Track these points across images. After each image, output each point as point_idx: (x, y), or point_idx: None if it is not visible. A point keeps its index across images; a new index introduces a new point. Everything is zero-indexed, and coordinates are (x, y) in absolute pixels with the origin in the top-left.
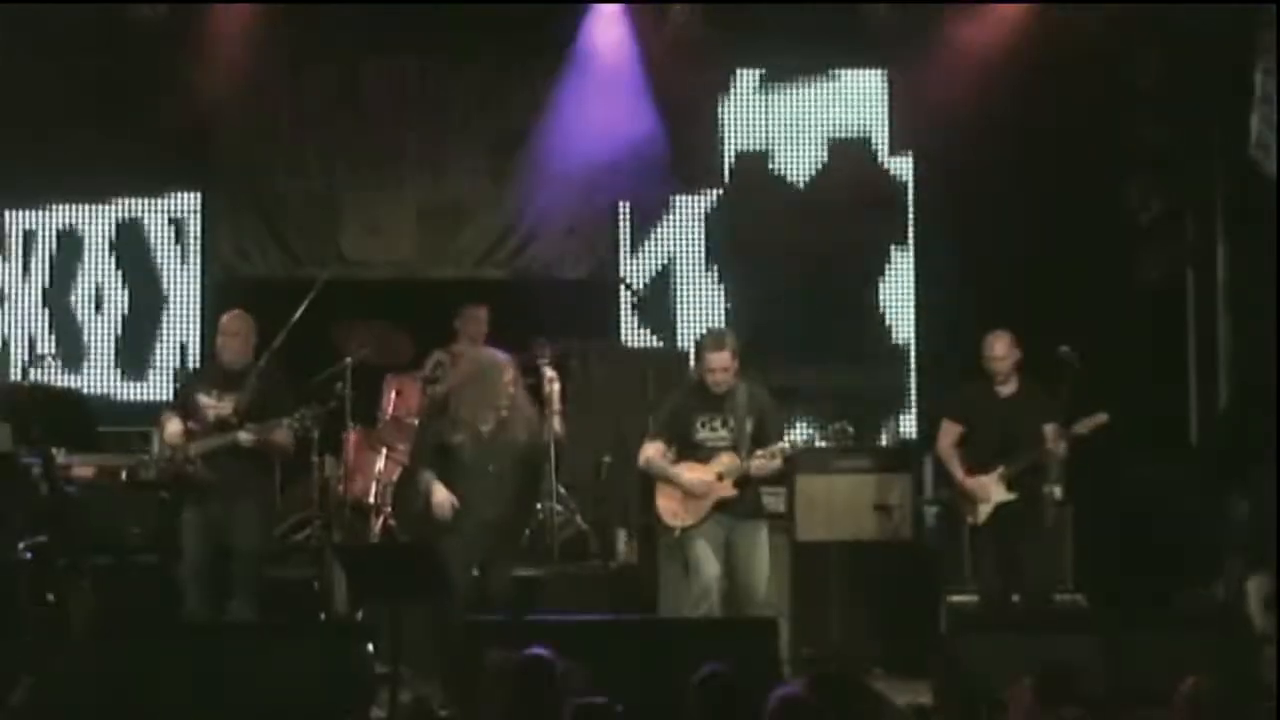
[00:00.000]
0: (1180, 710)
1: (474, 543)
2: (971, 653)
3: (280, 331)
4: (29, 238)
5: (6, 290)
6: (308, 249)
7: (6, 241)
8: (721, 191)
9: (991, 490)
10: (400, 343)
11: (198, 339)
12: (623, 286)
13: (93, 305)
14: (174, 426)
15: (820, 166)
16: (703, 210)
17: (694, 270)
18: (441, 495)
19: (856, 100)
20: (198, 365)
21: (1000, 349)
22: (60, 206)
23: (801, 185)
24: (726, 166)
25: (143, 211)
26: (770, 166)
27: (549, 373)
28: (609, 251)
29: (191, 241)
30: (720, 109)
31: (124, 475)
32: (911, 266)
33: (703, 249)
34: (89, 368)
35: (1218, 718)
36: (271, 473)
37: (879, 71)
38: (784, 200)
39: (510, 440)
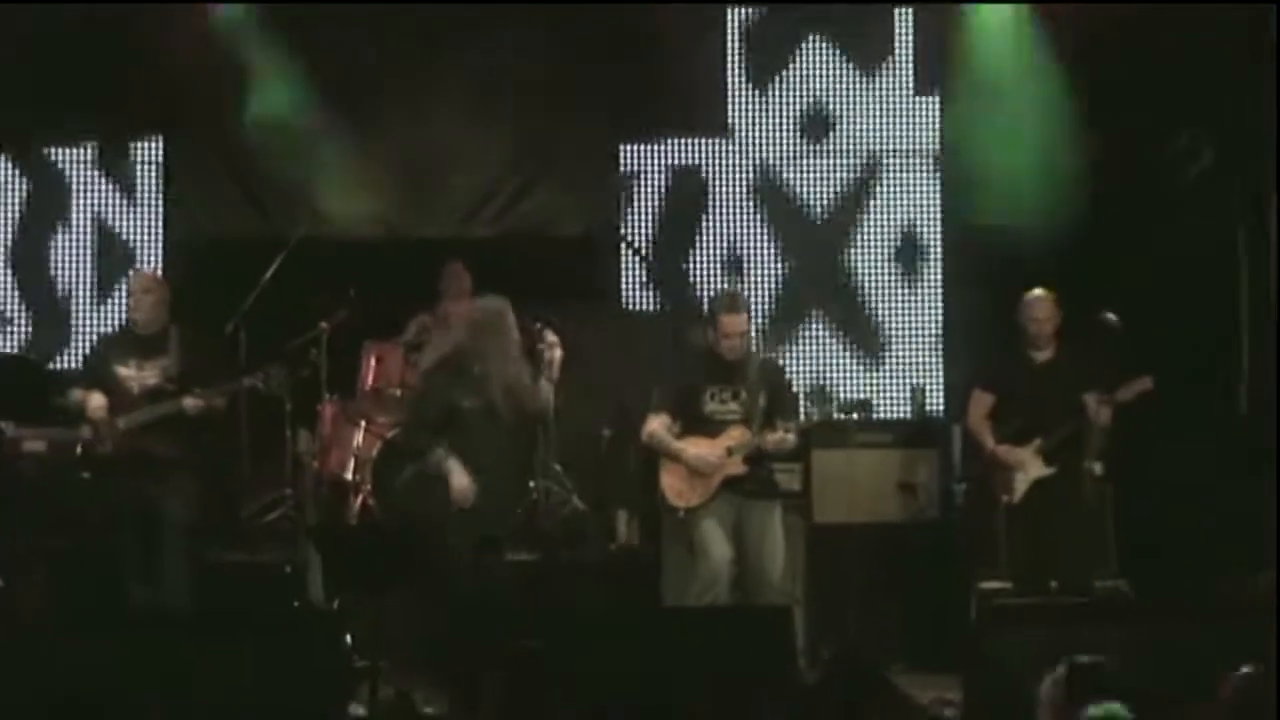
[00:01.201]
0: (1227, 706)
1: (475, 523)
2: (1004, 644)
3: (250, 294)
4: None
5: None
6: (279, 205)
7: None
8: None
9: (1027, 465)
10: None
11: None
12: (623, 245)
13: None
14: (97, 400)
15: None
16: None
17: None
18: (464, 481)
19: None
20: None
21: (1043, 311)
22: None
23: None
24: (731, 110)
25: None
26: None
27: (551, 337)
28: (608, 206)
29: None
30: (728, 49)
31: (79, 450)
32: (939, 221)
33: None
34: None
35: (1268, 714)
36: (215, 444)
37: (906, 10)
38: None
39: (521, 405)
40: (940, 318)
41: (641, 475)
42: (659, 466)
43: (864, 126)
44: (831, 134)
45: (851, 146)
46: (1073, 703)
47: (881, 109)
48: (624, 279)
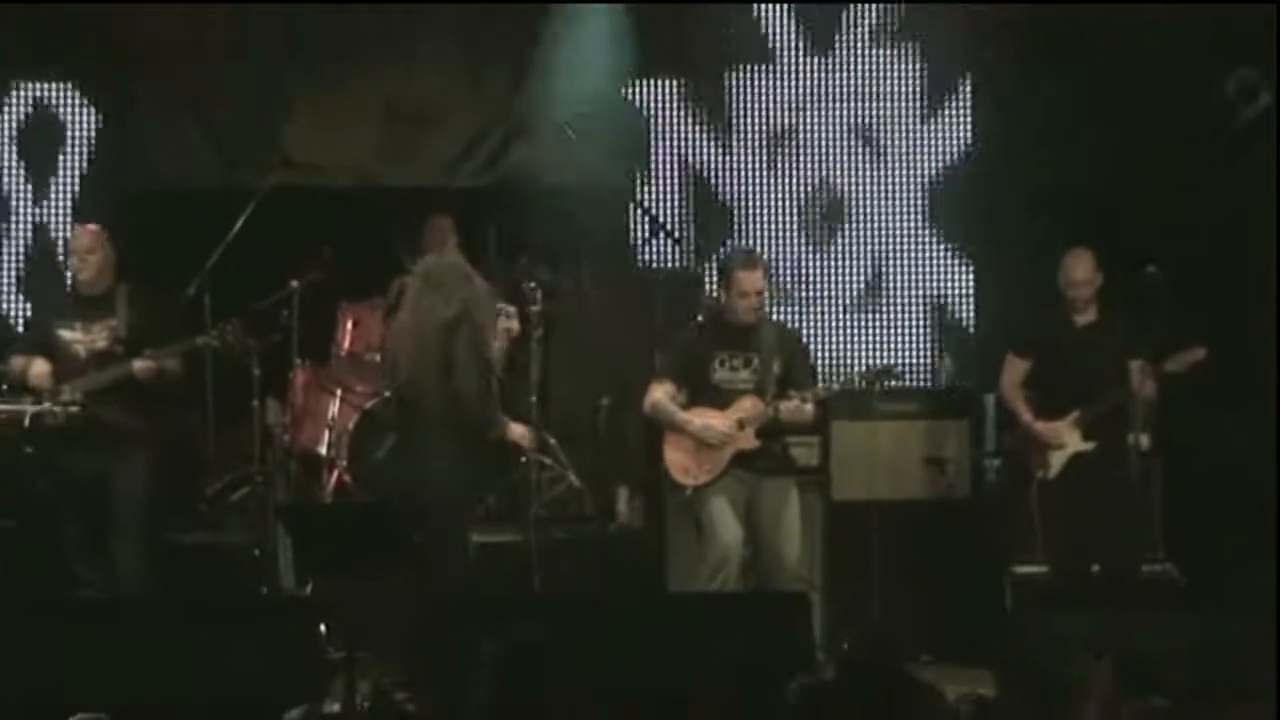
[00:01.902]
0: None
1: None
2: (1041, 634)
3: (214, 251)
4: None
5: None
6: (246, 151)
7: None
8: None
9: (1065, 438)
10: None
11: None
12: (632, 206)
13: None
14: (40, 368)
15: None
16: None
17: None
18: (521, 428)
19: None
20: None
21: (1082, 273)
22: None
23: None
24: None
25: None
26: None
27: (510, 308)
28: (611, 153)
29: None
30: None
31: (26, 422)
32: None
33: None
34: None
35: None
36: (175, 415)
37: None
38: None
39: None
40: (973, 277)
41: (644, 449)
42: (663, 440)
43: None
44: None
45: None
46: (1118, 698)
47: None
48: (626, 233)
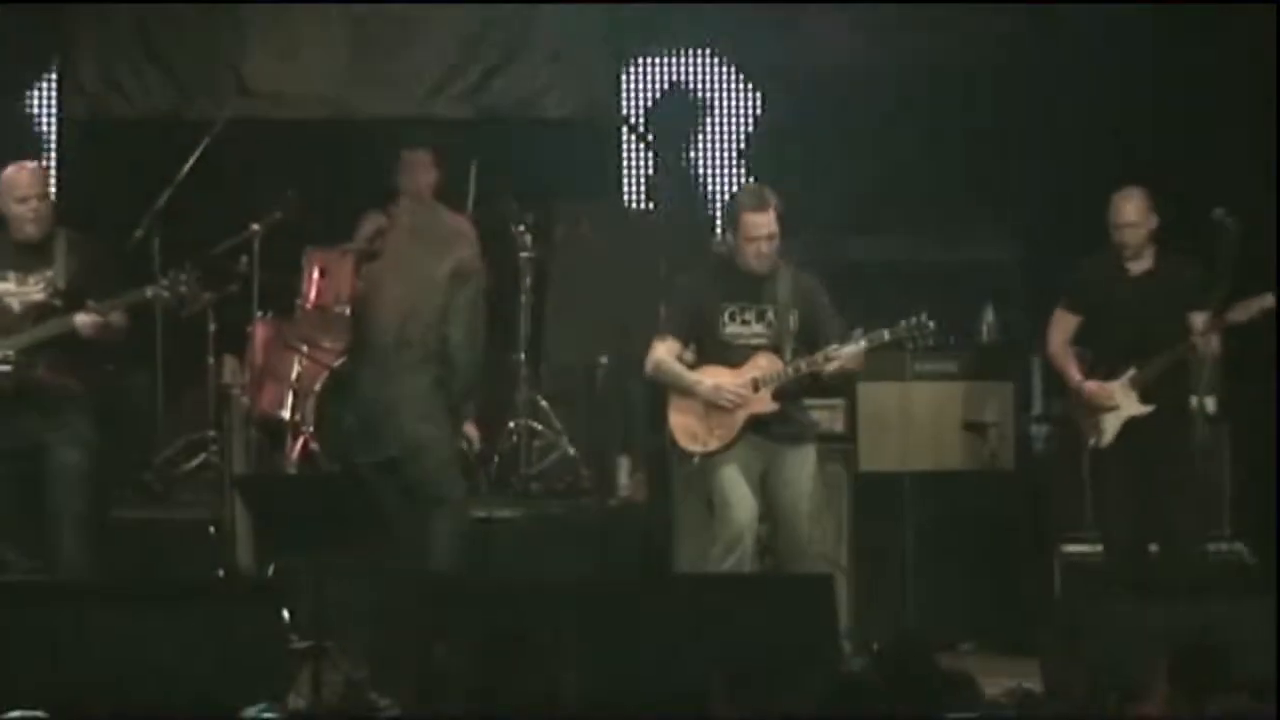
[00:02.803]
0: None
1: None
2: (1094, 622)
3: (164, 190)
4: None
5: None
6: (200, 78)
7: None
8: None
9: (1120, 401)
10: None
11: None
12: (625, 129)
13: None
14: None
15: None
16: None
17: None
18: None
19: None
20: None
21: (1132, 212)
22: None
23: None
24: None
25: None
26: None
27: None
28: (606, 81)
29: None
30: None
31: None
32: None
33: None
34: None
35: None
36: (121, 375)
37: None
38: None
39: None
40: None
41: (647, 414)
42: (668, 403)
43: None
44: None
45: None
46: (1188, 693)
47: None
48: (625, 171)
